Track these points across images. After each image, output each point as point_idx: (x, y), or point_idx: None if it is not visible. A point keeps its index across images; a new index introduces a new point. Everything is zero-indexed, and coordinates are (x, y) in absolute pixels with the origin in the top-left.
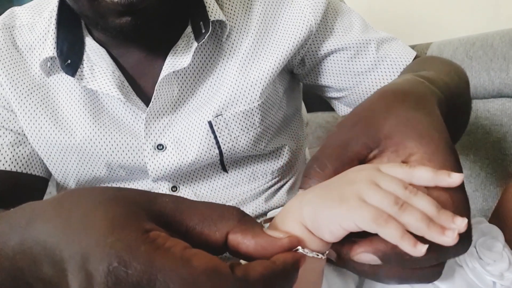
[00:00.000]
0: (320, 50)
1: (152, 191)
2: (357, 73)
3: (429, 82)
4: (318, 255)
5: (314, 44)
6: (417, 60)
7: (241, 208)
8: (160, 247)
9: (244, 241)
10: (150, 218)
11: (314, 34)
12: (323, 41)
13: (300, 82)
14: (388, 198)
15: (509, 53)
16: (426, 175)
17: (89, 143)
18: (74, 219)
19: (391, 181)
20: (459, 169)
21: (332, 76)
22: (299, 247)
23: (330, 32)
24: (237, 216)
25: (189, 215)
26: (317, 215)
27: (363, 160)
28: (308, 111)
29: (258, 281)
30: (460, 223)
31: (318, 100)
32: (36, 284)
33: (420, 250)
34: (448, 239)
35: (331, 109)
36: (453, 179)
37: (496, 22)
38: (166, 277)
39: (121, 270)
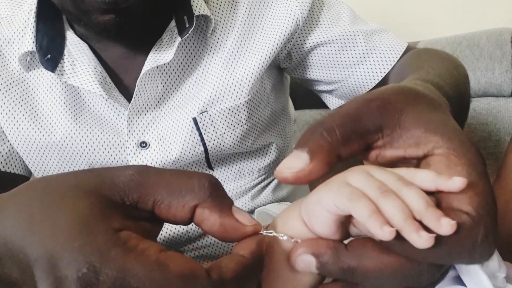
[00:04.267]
0: (306, 44)
1: None
2: (346, 66)
3: (437, 89)
4: (282, 236)
5: (300, 38)
6: (413, 53)
7: None
8: (133, 250)
9: (210, 218)
10: (115, 206)
11: (301, 28)
12: (309, 34)
13: (289, 76)
14: (373, 182)
15: (495, 53)
16: (427, 177)
17: (69, 141)
18: (37, 216)
19: (385, 172)
20: (486, 173)
21: (320, 69)
22: (263, 230)
23: (316, 24)
24: (209, 189)
25: (157, 188)
26: (308, 203)
27: (369, 144)
28: (295, 108)
29: (233, 279)
30: (446, 225)
31: (305, 97)
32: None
33: (387, 233)
34: (420, 239)
35: (318, 106)
36: (455, 182)
37: (483, 22)
38: (140, 283)
39: (92, 276)
